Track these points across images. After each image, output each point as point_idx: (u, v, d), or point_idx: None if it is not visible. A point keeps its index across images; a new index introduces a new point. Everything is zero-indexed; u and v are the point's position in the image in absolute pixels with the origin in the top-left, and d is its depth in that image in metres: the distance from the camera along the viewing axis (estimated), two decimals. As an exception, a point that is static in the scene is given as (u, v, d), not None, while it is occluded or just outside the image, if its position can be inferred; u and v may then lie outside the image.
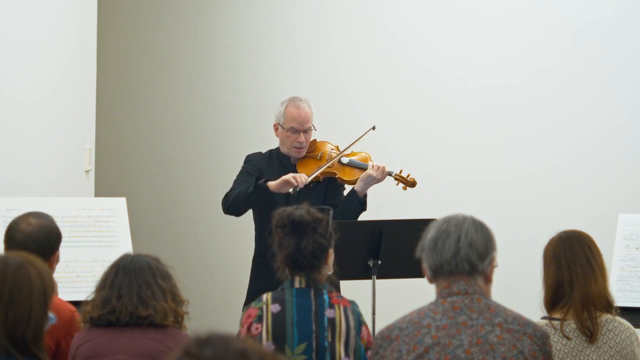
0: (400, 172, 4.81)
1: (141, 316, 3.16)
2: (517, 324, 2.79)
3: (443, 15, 6.36)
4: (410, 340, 2.77)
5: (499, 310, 2.81)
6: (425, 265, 2.85)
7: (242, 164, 4.90)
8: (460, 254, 2.80)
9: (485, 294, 2.83)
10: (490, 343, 2.74)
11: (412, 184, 4.81)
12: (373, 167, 4.73)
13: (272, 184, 4.63)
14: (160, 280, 3.20)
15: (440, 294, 2.83)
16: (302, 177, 4.63)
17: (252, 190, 4.62)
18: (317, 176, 4.75)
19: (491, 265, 2.85)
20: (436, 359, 2.73)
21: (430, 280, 2.88)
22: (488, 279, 2.86)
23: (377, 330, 3.85)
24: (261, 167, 4.82)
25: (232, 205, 4.72)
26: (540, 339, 2.80)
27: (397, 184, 4.82)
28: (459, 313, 2.79)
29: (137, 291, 3.16)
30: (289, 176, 4.63)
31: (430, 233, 2.85)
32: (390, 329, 2.82)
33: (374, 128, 4.80)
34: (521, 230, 6.08)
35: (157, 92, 6.74)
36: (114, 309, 3.16)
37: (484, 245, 2.82)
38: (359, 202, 4.75)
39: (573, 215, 5.90)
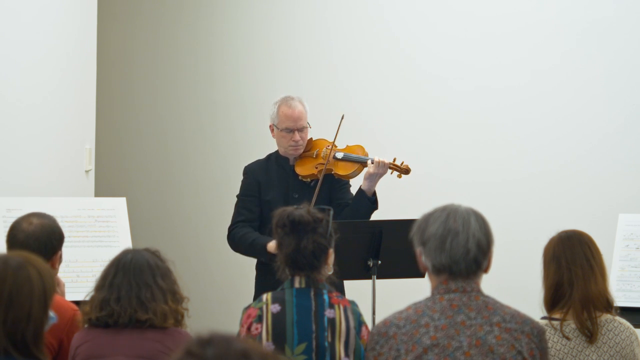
0: (394, 160, 4.78)
1: (141, 320, 3.15)
2: (515, 322, 2.78)
3: (443, 16, 6.36)
4: (408, 339, 2.75)
5: (496, 307, 2.80)
6: (427, 262, 2.81)
7: (241, 171, 4.90)
8: (469, 256, 2.77)
9: (480, 289, 2.82)
10: (489, 344, 2.74)
11: (407, 170, 4.77)
12: (374, 163, 4.71)
13: (271, 247, 4.54)
14: (160, 280, 3.18)
15: (437, 290, 2.81)
16: None
17: (258, 256, 4.74)
18: (316, 175, 4.75)
19: (489, 258, 2.84)
20: (435, 361, 2.73)
21: (425, 270, 2.85)
22: (485, 271, 2.85)
23: (377, 330, 3.85)
24: (259, 179, 4.80)
25: (235, 249, 4.84)
26: (537, 336, 2.79)
27: (392, 173, 4.80)
28: (457, 312, 2.77)
29: (137, 293, 3.14)
30: None
31: (433, 227, 2.79)
32: (387, 325, 2.80)
33: (342, 117, 4.77)
34: (521, 230, 6.08)
35: (157, 92, 6.74)
36: (113, 312, 3.14)
37: (487, 243, 2.81)
38: (369, 201, 4.74)
39: (573, 215, 5.90)
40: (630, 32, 6.14)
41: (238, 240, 4.76)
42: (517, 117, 6.26)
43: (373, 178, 4.72)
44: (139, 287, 3.15)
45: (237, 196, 4.87)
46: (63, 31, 5.25)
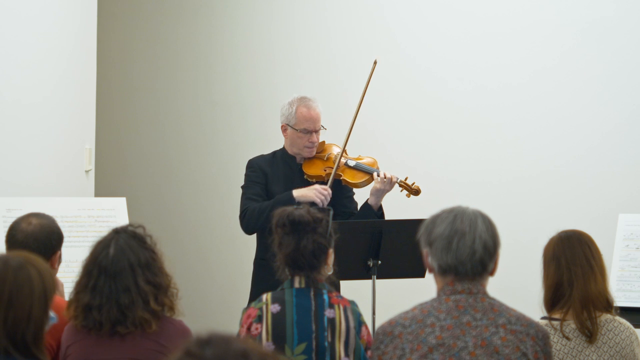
0: (406, 179, 4.81)
1: (122, 333, 3.12)
2: (520, 325, 2.78)
3: (443, 16, 6.36)
4: (413, 338, 2.75)
5: (502, 310, 2.80)
6: (433, 263, 2.82)
7: (244, 169, 4.87)
8: (475, 257, 2.78)
9: (486, 291, 2.83)
10: (494, 345, 2.74)
11: (416, 191, 4.81)
12: (381, 179, 4.72)
13: (297, 192, 4.62)
14: (141, 282, 3.11)
15: (443, 291, 2.81)
16: (324, 194, 4.64)
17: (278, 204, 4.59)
18: (323, 178, 4.76)
19: (496, 261, 2.85)
20: (441, 360, 2.73)
21: (431, 271, 2.86)
22: (491, 274, 2.86)
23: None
24: (265, 170, 4.78)
25: (256, 224, 4.66)
26: (542, 339, 2.80)
27: (402, 191, 4.83)
28: (463, 313, 2.77)
29: (116, 299, 3.09)
30: (313, 194, 4.62)
31: (440, 228, 2.80)
32: (392, 324, 2.80)
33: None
34: (521, 230, 6.08)
35: (157, 92, 6.74)
36: (95, 321, 3.11)
37: (494, 245, 2.81)
38: (376, 215, 4.75)
39: (573, 215, 5.90)
40: (630, 32, 6.14)
41: (257, 213, 4.61)
42: (517, 116, 6.26)
43: (379, 194, 4.73)
44: (118, 292, 3.10)
45: (243, 187, 4.80)
46: (63, 31, 5.25)
